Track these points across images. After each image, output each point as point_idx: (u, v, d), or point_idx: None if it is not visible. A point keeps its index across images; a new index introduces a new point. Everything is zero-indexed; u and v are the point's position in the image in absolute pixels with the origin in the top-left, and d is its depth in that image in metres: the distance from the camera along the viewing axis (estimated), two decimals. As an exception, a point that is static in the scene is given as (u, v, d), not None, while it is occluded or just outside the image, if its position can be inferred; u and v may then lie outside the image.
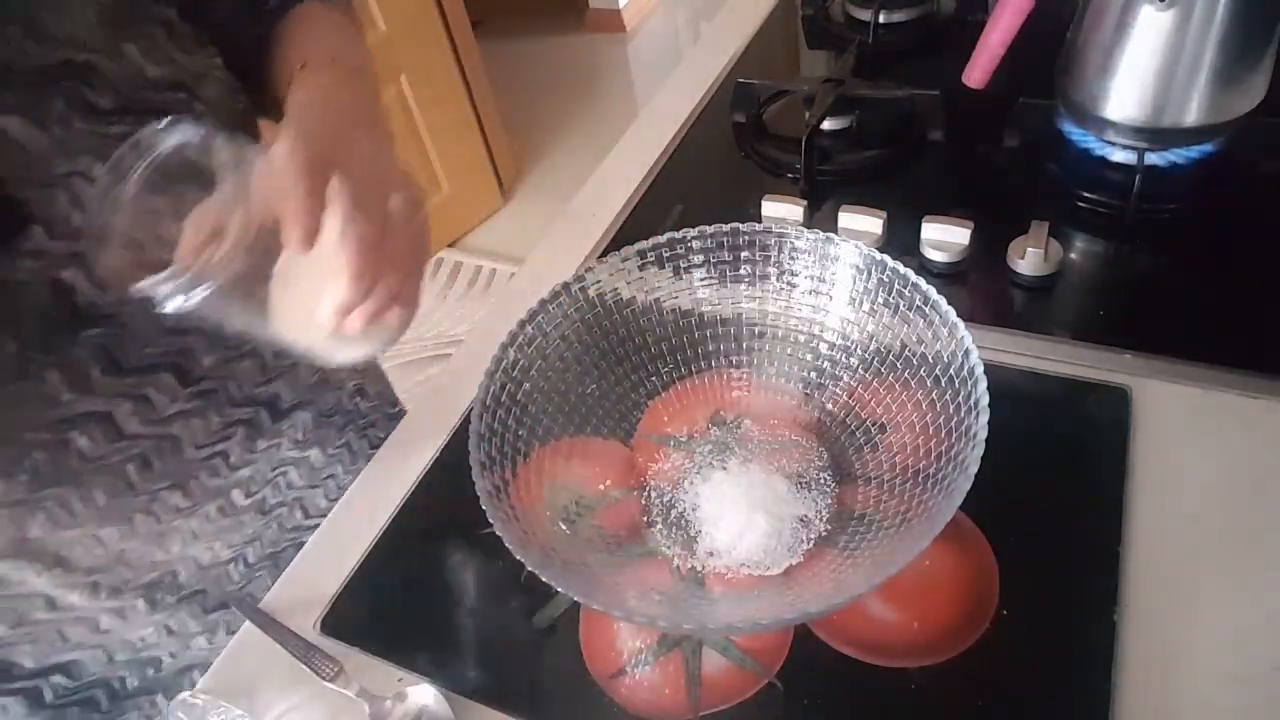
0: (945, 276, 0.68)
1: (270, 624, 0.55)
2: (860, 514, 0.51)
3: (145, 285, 0.39)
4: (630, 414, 0.58)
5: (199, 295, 0.39)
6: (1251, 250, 0.66)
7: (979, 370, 0.45)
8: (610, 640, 0.50)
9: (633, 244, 0.56)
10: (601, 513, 0.53)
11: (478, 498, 0.44)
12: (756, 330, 0.58)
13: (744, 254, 0.56)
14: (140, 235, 0.40)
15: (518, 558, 0.42)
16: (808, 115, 0.82)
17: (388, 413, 0.78)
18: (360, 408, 0.74)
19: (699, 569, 0.51)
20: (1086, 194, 0.72)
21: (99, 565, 0.57)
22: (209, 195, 0.41)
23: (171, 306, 0.40)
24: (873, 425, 0.53)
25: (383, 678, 0.51)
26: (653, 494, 0.55)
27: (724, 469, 0.54)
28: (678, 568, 0.51)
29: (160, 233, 0.41)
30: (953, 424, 0.46)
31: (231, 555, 0.65)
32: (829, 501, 0.52)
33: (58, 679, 0.60)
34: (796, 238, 0.55)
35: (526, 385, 0.52)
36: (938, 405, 0.48)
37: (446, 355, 0.77)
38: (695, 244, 0.56)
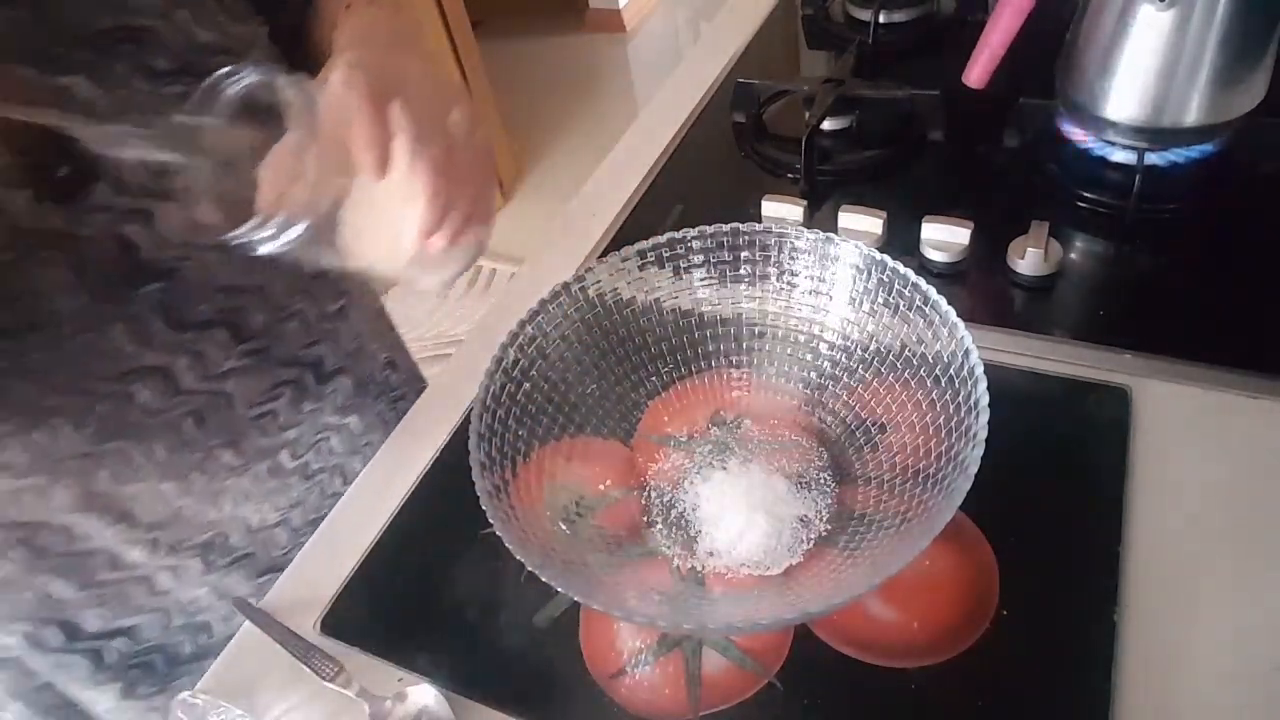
0: (945, 276, 0.68)
1: (270, 624, 0.55)
2: (860, 514, 0.51)
3: (240, 232, 0.40)
4: (630, 414, 0.58)
5: (291, 235, 0.40)
6: (1251, 250, 0.66)
7: (979, 370, 0.45)
8: (610, 640, 0.50)
9: (633, 244, 0.56)
10: (601, 513, 0.53)
11: (478, 498, 0.44)
12: (756, 330, 0.58)
13: (744, 254, 0.56)
14: (221, 184, 0.41)
15: (518, 558, 0.42)
16: (808, 115, 0.82)
17: (416, 388, 0.80)
18: (391, 380, 0.77)
19: (699, 569, 0.51)
20: (1086, 194, 0.72)
21: (159, 521, 0.60)
22: (280, 138, 0.42)
23: (265, 250, 0.41)
24: (873, 425, 0.53)
25: (383, 678, 0.51)
26: (653, 494, 0.55)
27: (724, 469, 0.54)
28: (678, 568, 0.51)
29: (240, 179, 0.42)
30: (953, 424, 0.46)
31: (278, 519, 0.67)
32: (829, 501, 0.52)
33: (119, 642, 0.63)
34: (796, 238, 0.55)
35: (526, 385, 0.52)
36: (938, 405, 0.48)
37: (446, 355, 0.78)
38: (695, 244, 0.56)
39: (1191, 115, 0.68)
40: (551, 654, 0.51)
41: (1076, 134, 0.75)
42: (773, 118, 0.89)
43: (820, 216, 0.75)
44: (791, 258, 0.55)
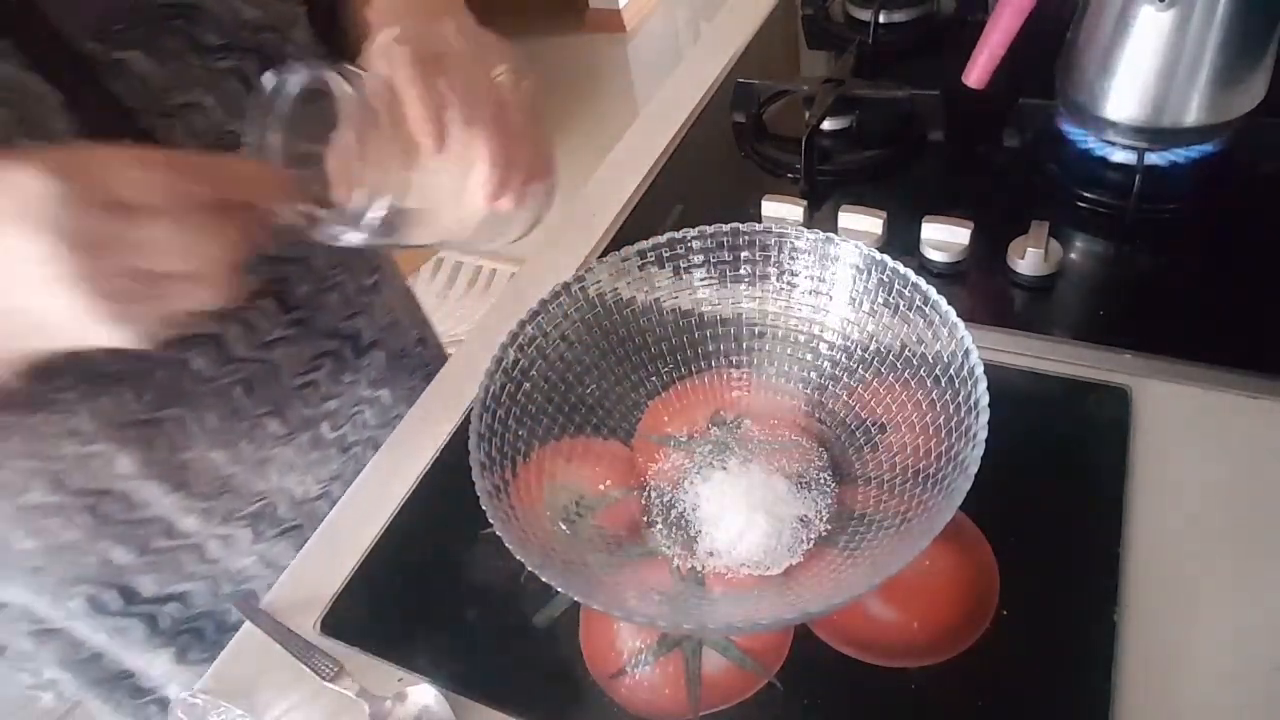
0: (945, 276, 0.68)
1: (270, 624, 0.55)
2: (860, 514, 0.51)
3: (321, 228, 0.41)
4: (630, 414, 0.58)
5: (370, 225, 0.41)
6: (1251, 250, 0.66)
7: (979, 370, 0.45)
8: (610, 640, 0.50)
9: (633, 244, 0.56)
10: (601, 513, 0.53)
11: (478, 498, 0.44)
12: (756, 330, 0.58)
13: (744, 254, 0.56)
14: (294, 182, 0.42)
15: (518, 558, 0.42)
16: (808, 115, 0.82)
17: (443, 364, 0.81)
18: (421, 356, 0.79)
19: (699, 569, 0.51)
20: (1086, 194, 0.72)
21: (211, 491, 0.63)
22: (338, 130, 0.42)
23: (346, 241, 0.42)
24: (873, 425, 0.53)
25: (383, 678, 0.51)
26: (653, 494, 0.55)
27: (724, 469, 0.54)
28: (678, 568, 0.51)
29: (309, 174, 0.42)
30: (953, 424, 0.46)
31: (320, 491, 0.69)
32: (829, 501, 0.52)
33: (171, 607, 0.66)
34: (796, 238, 0.55)
35: (526, 385, 0.52)
36: (938, 405, 0.48)
37: (447, 355, 0.80)
38: (695, 244, 0.56)
39: (1191, 115, 0.68)
40: (551, 654, 0.51)
41: (1076, 134, 0.75)
42: (773, 118, 0.89)
43: (820, 216, 0.75)
44: (791, 258, 0.55)
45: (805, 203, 0.73)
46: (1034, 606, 0.48)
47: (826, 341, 0.56)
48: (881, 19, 0.96)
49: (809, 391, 0.57)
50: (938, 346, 0.49)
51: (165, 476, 0.59)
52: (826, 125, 0.84)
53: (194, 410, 0.59)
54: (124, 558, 0.61)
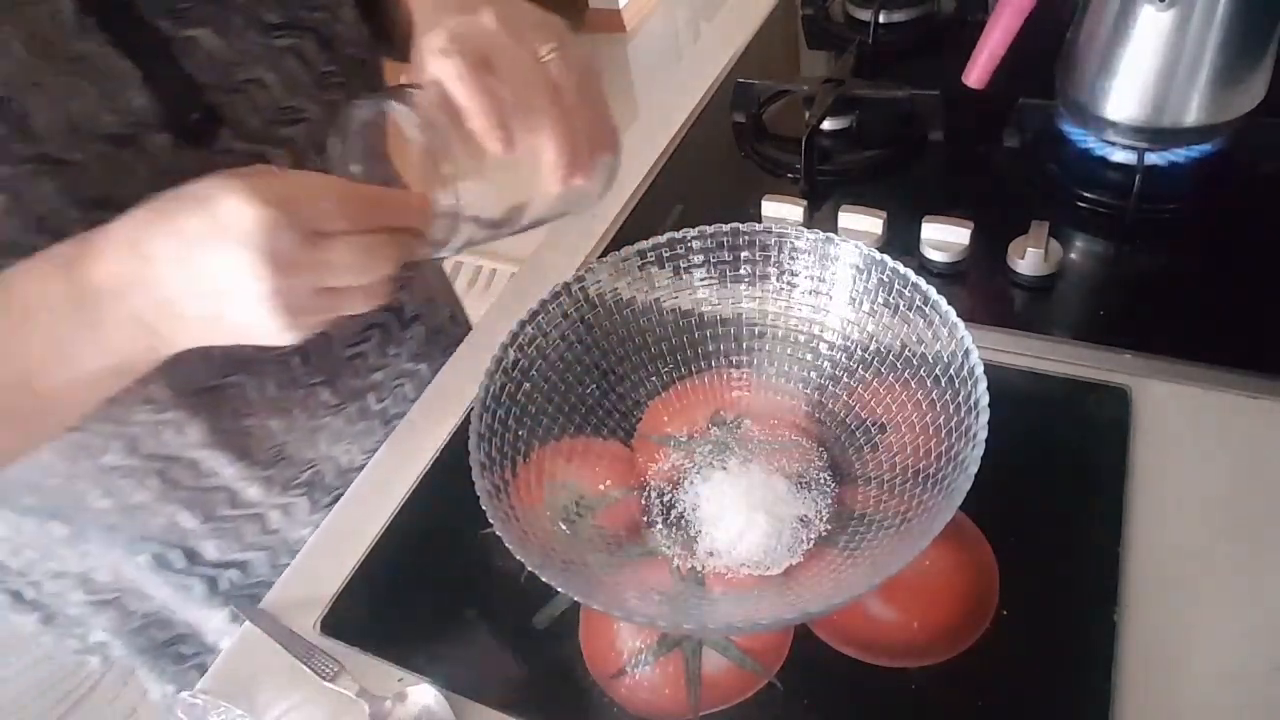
0: (945, 276, 0.68)
1: (270, 624, 0.55)
2: (860, 514, 0.51)
3: (433, 244, 0.43)
4: (630, 414, 0.58)
5: (462, 237, 0.43)
6: (1251, 250, 0.66)
7: (979, 370, 0.45)
8: (610, 640, 0.50)
9: (633, 244, 0.56)
10: (601, 513, 0.53)
11: (478, 498, 0.44)
12: (756, 330, 0.58)
13: (744, 254, 0.56)
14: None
15: (518, 558, 0.42)
16: (808, 115, 0.82)
17: None
18: (455, 333, 0.81)
19: (699, 569, 0.51)
20: (1086, 194, 0.72)
21: (269, 459, 0.66)
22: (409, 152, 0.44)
23: (446, 253, 0.44)
24: (873, 425, 0.53)
25: (383, 678, 0.51)
26: (653, 494, 0.55)
27: (724, 469, 0.54)
28: (678, 568, 0.51)
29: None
30: (953, 424, 0.46)
31: (363, 460, 0.70)
32: (829, 501, 0.52)
33: (232, 573, 0.70)
34: (796, 238, 0.55)
35: (526, 385, 0.52)
36: (938, 405, 0.48)
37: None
38: (695, 244, 0.56)
39: (1191, 115, 0.68)
40: (551, 654, 0.51)
41: (1076, 134, 0.75)
42: (773, 118, 0.89)
43: (820, 216, 0.75)
44: (791, 258, 0.55)
45: (805, 203, 0.73)
46: (1034, 606, 0.48)
47: (826, 341, 0.56)
48: (881, 19, 0.96)
49: (809, 391, 0.57)
50: (938, 346, 0.49)
51: (229, 444, 0.62)
52: (826, 125, 0.84)
53: (255, 378, 0.62)
54: (190, 522, 0.65)
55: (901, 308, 0.51)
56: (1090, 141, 0.74)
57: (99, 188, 0.48)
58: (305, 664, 0.52)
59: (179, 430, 0.59)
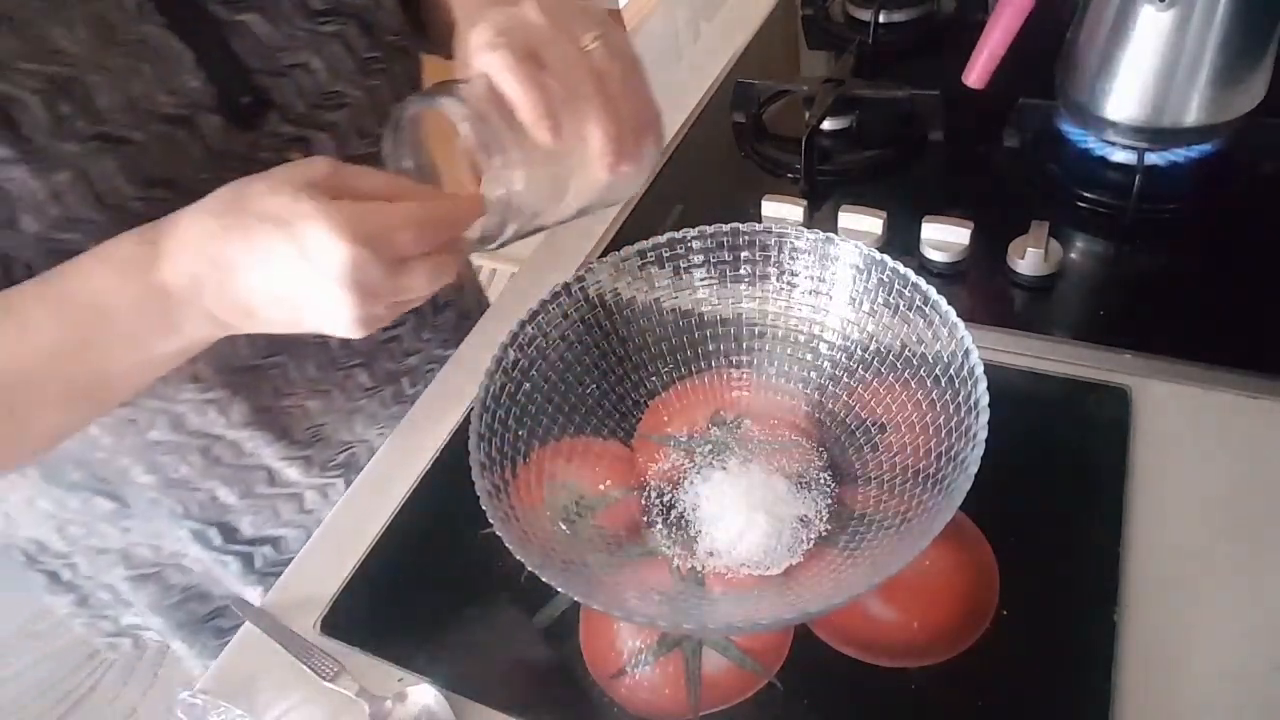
0: (945, 276, 0.68)
1: (270, 624, 0.55)
2: (860, 514, 0.51)
3: (470, 237, 0.44)
4: (630, 414, 0.58)
5: (512, 227, 0.44)
6: (1251, 250, 0.66)
7: (979, 370, 0.45)
8: (610, 640, 0.50)
9: (633, 244, 0.56)
10: (601, 513, 0.53)
11: (478, 498, 0.44)
12: (756, 330, 0.58)
13: (744, 254, 0.56)
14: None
15: (518, 558, 0.42)
16: (808, 115, 0.82)
17: None
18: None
19: (699, 569, 0.51)
20: (1086, 194, 0.72)
21: (307, 439, 0.67)
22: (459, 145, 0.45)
23: (496, 245, 0.45)
24: (873, 425, 0.53)
25: (383, 678, 0.51)
26: (653, 494, 0.55)
27: (724, 469, 0.54)
28: (678, 568, 0.51)
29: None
30: (953, 424, 0.46)
31: None
32: (829, 501, 0.52)
33: (266, 549, 0.72)
34: (796, 238, 0.55)
35: (526, 385, 0.52)
36: (938, 405, 0.48)
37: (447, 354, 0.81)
38: (695, 244, 0.56)
39: (1191, 115, 0.68)
40: (551, 654, 0.51)
41: (1076, 134, 0.75)
42: (773, 118, 0.89)
43: (820, 216, 0.75)
44: (791, 258, 0.55)
45: (805, 203, 0.73)
46: (1034, 606, 0.48)
47: (826, 341, 0.56)
48: (881, 19, 0.96)
49: (809, 391, 0.57)
50: (938, 346, 0.49)
51: (269, 424, 0.64)
52: (826, 125, 0.84)
53: (296, 359, 0.63)
54: (229, 498, 0.67)
55: (901, 308, 0.51)
56: (1090, 141, 0.74)
57: (156, 167, 0.50)
58: (305, 664, 0.52)
59: (222, 409, 0.61)
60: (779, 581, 0.49)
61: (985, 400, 0.44)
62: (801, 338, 0.57)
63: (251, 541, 0.71)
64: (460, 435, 0.62)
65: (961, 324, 0.47)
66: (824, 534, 0.51)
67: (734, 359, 0.59)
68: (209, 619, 0.77)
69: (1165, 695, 0.45)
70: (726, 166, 0.87)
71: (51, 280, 0.44)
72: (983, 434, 0.43)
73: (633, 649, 0.50)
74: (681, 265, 0.56)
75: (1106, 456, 0.54)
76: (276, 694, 0.53)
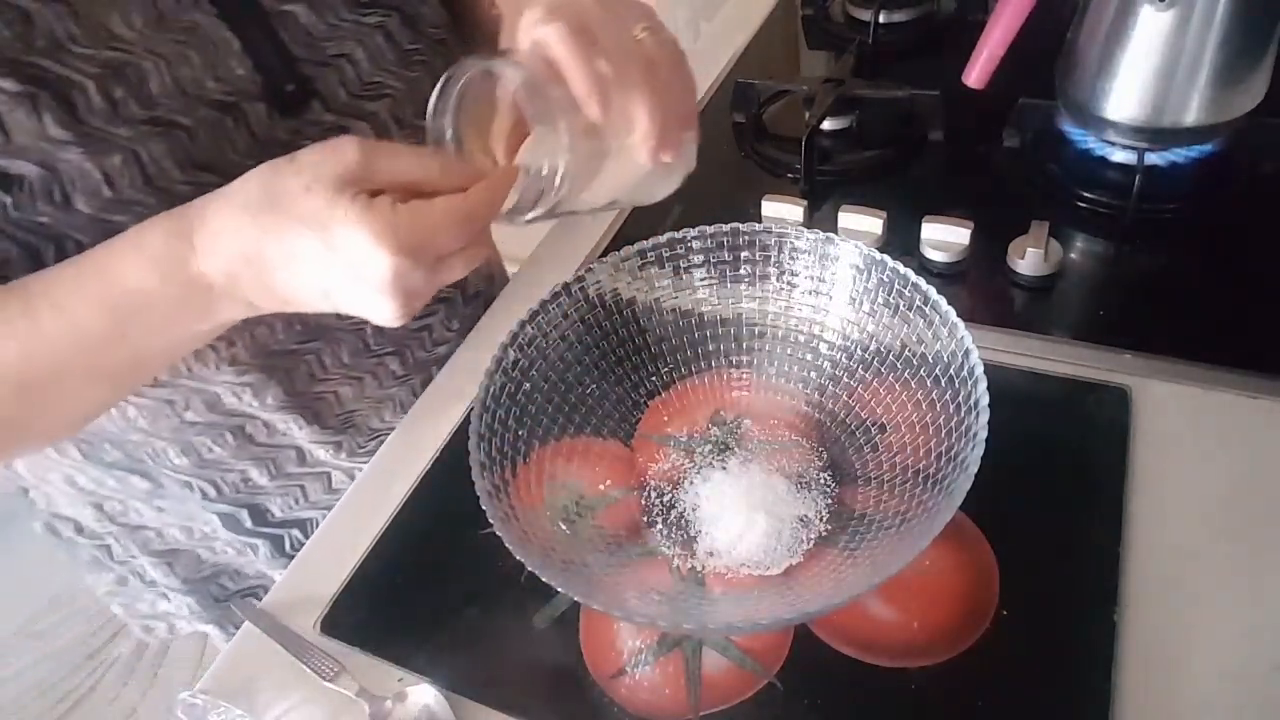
0: (945, 276, 0.68)
1: (270, 624, 0.55)
2: (860, 514, 0.51)
3: (509, 210, 0.44)
4: (630, 414, 0.58)
5: (546, 202, 0.43)
6: (1251, 250, 0.66)
7: (979, 370, 0.45)
8: (610, 640, 0.50)
9: (633, 244, 0.56)
10: (601, 513, 0.53)
11: (478, 498, 0.44)
12: (756, 330, 0.58)
13: (744, 254, 0.56)
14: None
15: (518, 558, 0.42)
16: (808, 115, 0.82)
17: None
18: None
19: (699, 569, 0.51)
20: (1086, 194, 0.72)
21: (338, 425, 0.68)
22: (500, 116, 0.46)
23: (530, 219, 0.44)
24: (873, 425, 0.53)
25: (383, 678, 0.51)
26: (653, 494, 0.55)
27: (724, 469, 0.54)
28: (678, 568, 0.51)
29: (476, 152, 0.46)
30: (953, 424, 0.46)
31: None
32: (829, 501, 0.52)
33: (295, 532, 0.73)
34: (796, 238, 0.55)
35: (526, 385, 0.52)
36: (938, 405, 0.48)
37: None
38: (695, 244, 0.56)
39: (1191, 115, 0.68)
40: (551, 654, 0.51)
41: (1076, 134, 0.75)
42: (773, 118, 0.89)
43: (820, 216, 0.75)
44: (791, 258, 0.55)
45: (805, 203, 0.73)
46: (1034, 606, 0.48)
47: (826, 341, 0.56)
48: (881, 19, 0.96)
49: (809, 391, 0.57)
50: (938, 346, 0.49)
51: (302, 408, 0.65)
52: (826, 125, 0.84)
53: (331, 345, 0.64)
54: (261, 479, 0.68)
55: (901, 308, 0.51)
56: (1090, 141, 0.74)
57: (203, 152, 0.51)
58: (305, 664, 0.52)
59: (256, 392, 0.62)
60: (779, 581, 0.49)
61: (985, 400, 0.44)
62: (801, 338, 0.57)
63: (282, 524, 0.72)
64: (460, 435, 0.62)
65: (961, 324, 0.47)
66: (824, 534, 0.51)
67: (734, 359, 0.59)
68: (243, 595, 0.78)
69: (1165, 695, 0.45)
70: (726, 166, 0.87)
71: (86, 269, 0.44)
72: (983, 434, 0.43)
73: (633, 649, 0.50)
74: (681, 265, 0.56)
75: (1106, 456, 0.54)
76: (276, 694, 0.53)
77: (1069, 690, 0.45)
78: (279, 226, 0.40)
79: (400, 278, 0.40)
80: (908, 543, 0.43)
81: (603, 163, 0.46)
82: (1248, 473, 0.53)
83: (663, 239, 0.56)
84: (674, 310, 0.58)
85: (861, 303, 0.53)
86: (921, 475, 0.48)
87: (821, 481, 0.53)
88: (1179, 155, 0.72)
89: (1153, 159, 0.71)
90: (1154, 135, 0.69)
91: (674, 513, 0.53)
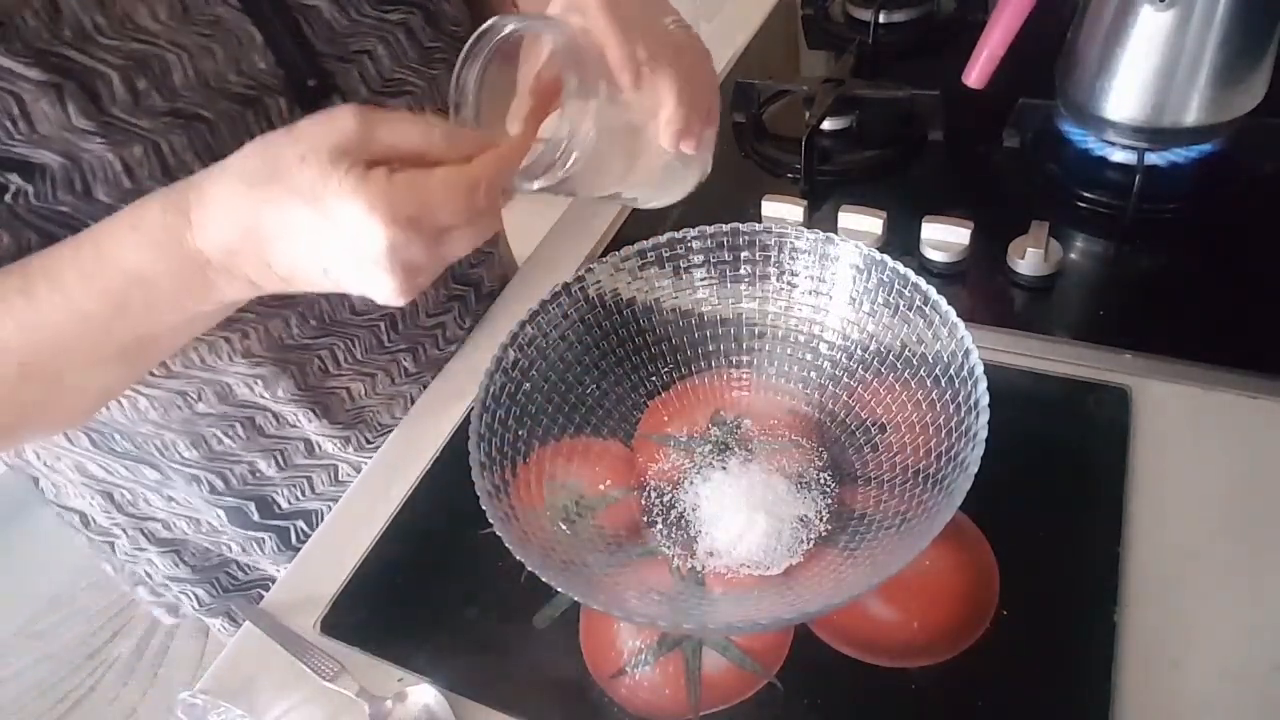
0: (945, 276, 0.68)
1: (270, 624, 0.55)
2: (860, 514, 0.51)
3: (525, 167, 0.43)
4: (630, 414, 0.58)
5: (559, 171, 0.42)
6: (1251, 250, 0.66)
7: (979, 370, 0.45)
8: (610, 640, 0.50)
9: (633, 244, 0.56)
10: (601, 513, 0.53)
11: (478, 498, 0.44)
12: (756, 330, 0.58)
13: (744, 254, 0.56)
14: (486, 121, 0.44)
15: (518, 558, 0.42)
16: (808, 115, 0.82)
17: None
18: None
19: (699, 569, 0.51)
20: (1086, 194, 0.72)
21: (348, 420, 0.68)
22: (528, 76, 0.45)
23: (529, 187, 0.43)
24: (873, 425, 0.53)
25: (383, 678, 0.51)
26: (653, 494, 0.55)
27: (724, 469, 0.54)
28: (678, 568, 0.51)
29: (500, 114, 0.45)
30: (953, 424, 0.46)
31: None
32: (829, 501, 0.52)
33: (300, 524, 0.73)
34: (796, 238, 0.55)
35: (526, 385, 0.52)
36: (938, 405, 0.48)
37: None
38: (695, 244, 0.56)
39: (1191, 115, 0.68)
40: (551, 654, 0.51)
41: (1076, 134, 0.75)
42: (773, 118, 0.89)
43: (820, 216, 0.75)
44: (791, 258, 0.55)
45: (805, 203, 0.73)
46: (1034, 606, 0.48)
47: (826, 341, 0.56)
48: (881, 19, 0.96)
49: (809, 391, 0.57)
50: (938, 346, 0.49)
51: (314, 401, 0.65)
52: (826, 125, 0.84)
53: (345, 340, 0.65)
54: (268, 469, 0.68)
55: (901, 308, 0.51)
56: (1090, 141, 0.74)
57: (223, 145, 0.50)
58: (305, 664, 0.52)
59: (268, 384, 0.62)
60: (779, 581, 0.49)
61: (985, 400, 0.44)
62: (801, 338, 0.57)
63: (287, 516, 0.72)
64: (460, 435, 0.62)
65: (961, 324, 0.47)
66: (824, 534, 0.51)
67: (734, 359, 0.59)
68: (252, 586, 0.78)
69: (1165, 695, 0.45)
70: (726, 166, 0.86)
71: (84, 245, 0.44)
72: (983, 434, 0.43)
73: (633, 649, 0.50)
74: (681, 265, 0.56)
75: (1106, 456, 0.54)
76: (276, 694, 0.53)
77: (1069, 690, 0.45)
78: (274, 198, 0.39)
79: (397, 250, 0.38)
80: (908, 543, 0.43)
81: (624, 142, 0.46)
82: (1248, 473, 0.53)
83: (663, 239, 0.56)
84: (674, 310, 0.58)
85: (861, 303, 0.53)
86: (921, 475, 0.48)
87: (821, 481, 0.53)
88: (1179, 155, 0.72)
89: (1153, 159, 0.71)
90: (1154, 135, 0.69)
91: (674, 513, 0.53)
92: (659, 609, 0.48)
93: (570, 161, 0.42)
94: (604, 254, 0.59)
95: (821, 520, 0.51)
